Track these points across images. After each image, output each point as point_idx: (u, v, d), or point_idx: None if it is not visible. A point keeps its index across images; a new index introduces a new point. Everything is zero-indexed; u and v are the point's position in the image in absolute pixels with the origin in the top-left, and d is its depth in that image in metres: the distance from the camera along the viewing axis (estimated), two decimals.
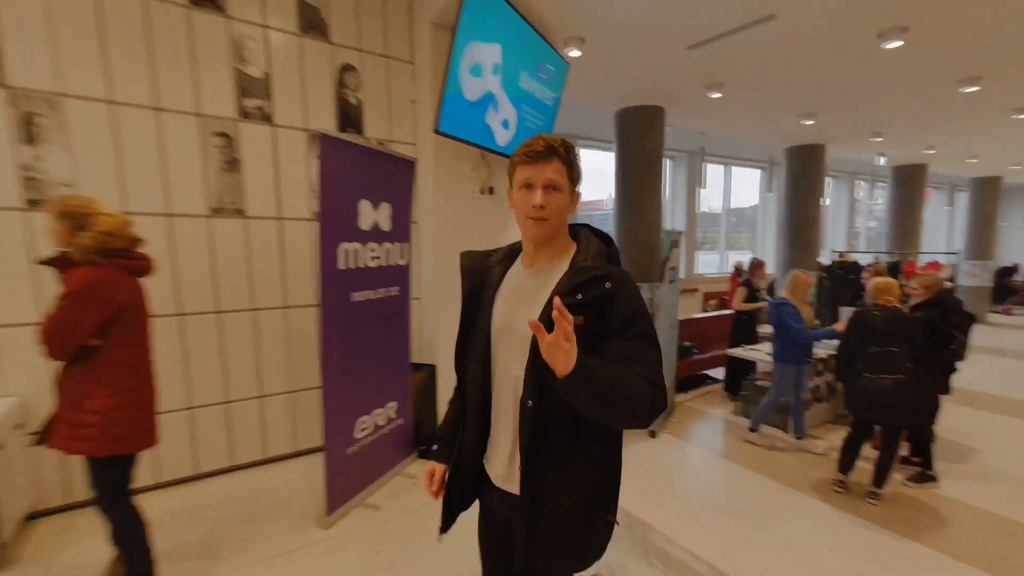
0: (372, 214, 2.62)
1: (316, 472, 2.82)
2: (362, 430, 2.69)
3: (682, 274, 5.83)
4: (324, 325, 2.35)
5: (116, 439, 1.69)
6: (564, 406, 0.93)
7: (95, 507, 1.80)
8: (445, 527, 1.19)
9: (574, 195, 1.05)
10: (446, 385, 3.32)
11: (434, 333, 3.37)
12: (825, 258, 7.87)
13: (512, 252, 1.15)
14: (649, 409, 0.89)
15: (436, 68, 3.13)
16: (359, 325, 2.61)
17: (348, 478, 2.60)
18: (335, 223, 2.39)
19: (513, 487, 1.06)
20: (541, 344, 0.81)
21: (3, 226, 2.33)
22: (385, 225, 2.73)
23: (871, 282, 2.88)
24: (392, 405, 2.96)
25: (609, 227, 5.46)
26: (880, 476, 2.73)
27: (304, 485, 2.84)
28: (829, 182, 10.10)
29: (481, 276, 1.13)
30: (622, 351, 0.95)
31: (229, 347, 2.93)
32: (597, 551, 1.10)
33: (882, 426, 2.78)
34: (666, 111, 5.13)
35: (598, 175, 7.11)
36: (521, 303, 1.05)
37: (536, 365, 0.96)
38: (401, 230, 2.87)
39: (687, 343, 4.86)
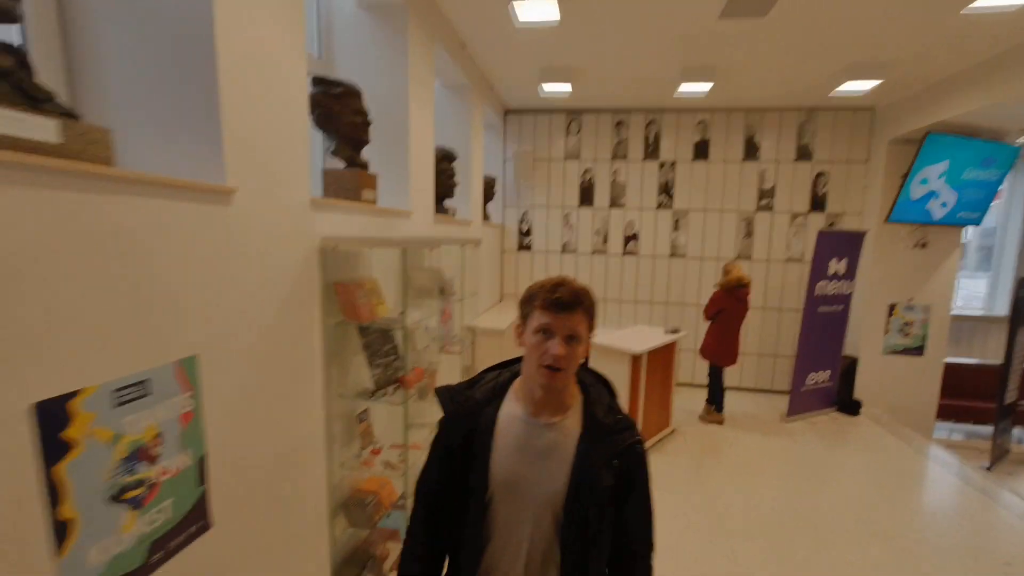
0: (835, 265, 4.77)
1: (773, 401, 5.31)
2: (811, 381, 4.97)
3: None
4: (805, 323, 4.74)
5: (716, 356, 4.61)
6: (597, 562, 1.00)
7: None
8: None
9: (589, 343, 1.01)
10: (864, 370, 5.17)
11: (858, 335, 5.21)
12: None
13: (499, 388, 1.07)
14: None
15: (889, 167, 4.87)
16: (820, 325, 4.86)
17: (799, 402, 4.95)
18: (818, 271, 4.70)
19: None
20: None
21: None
22: (842, 271, 4.83)
23: None
24: (827, 372, 5.09)
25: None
26: None
27: (771, 405, 5.38)
28: None
29: (468, 421, 1.03)
30: (636, 517, 1.03)
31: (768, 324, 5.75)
32: None
33: None
34: None
35: None
36: (535, 461, 0.99)
37: (582, 541, 0.97)
38: (851, 272, 4.89)
39: None
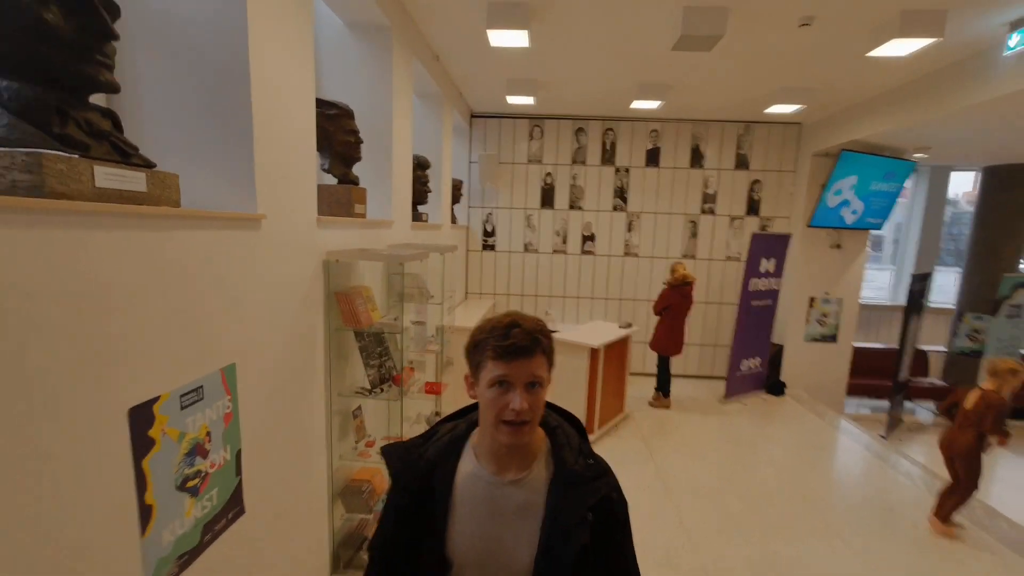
0: (766, 264, 5.38)
1: (713, 386, 5.92)
2: (744, 367, 5.59)
3: None
4: (740, 315, 5.33)
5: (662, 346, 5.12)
6: None
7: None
8: None
9: (549, 382, 0.89)
10: (788, 356, 5.87)
11: (784, 325, 5.90)
12: None
13: (454, 442, 0.96)
14: None
15: (812, 177, 5.52)
16: (753, 317, 5.48)
17: (734, 386, 5.56)
18: (751, 269, 5.29)
19: None
20: None
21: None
22: (772, 269, 5.45)
23: None
24: (758, 359, 5.73)
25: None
26: None
27: (710, 390, 5.98)
28: None
29: (420, 483, 0.92)
30: (621, 566, 0.93)
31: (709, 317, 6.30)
32: None
33: None
34: None
35: None
36: (504, 523, 0.89)
37: None
38: (779, 271, 5.53)
39: None
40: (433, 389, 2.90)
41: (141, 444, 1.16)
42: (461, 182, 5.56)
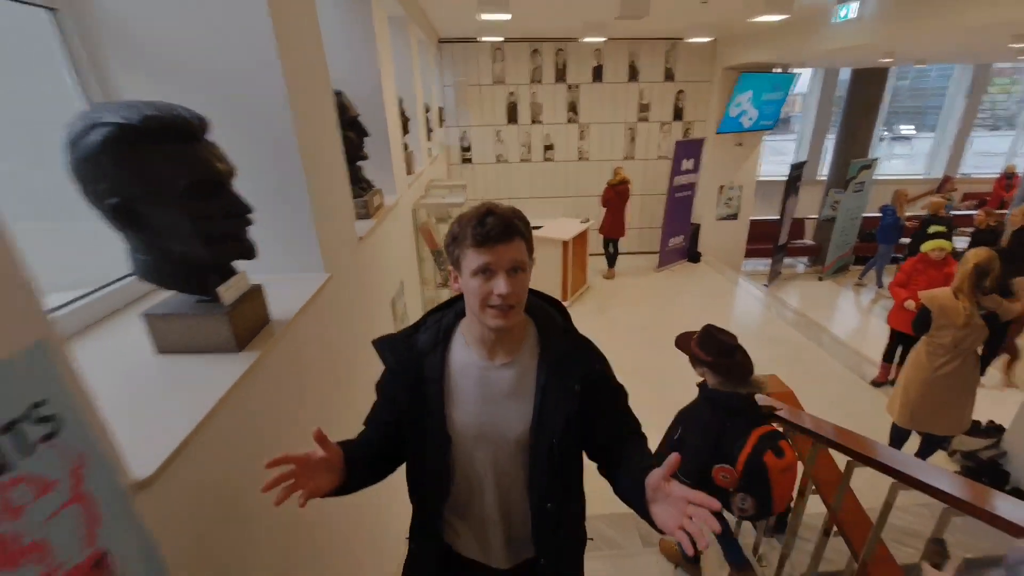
0: (686, 163, 6.96)
1: (649, 259, 7.84)
2: (671, 243, 7.45)
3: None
4: (668, 204, 7.04)
5: None
6: (576, 494, 1.07)
7: None
8: None
9: (531, 267, 0.93)
10: (704, 232, 7.80)
11: (701, 209, 7.69)
12: None
13: (443, 331, 1.01)
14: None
15: (722, 86, 6.89)
16: (677, 204, 7.19)
17: (665, 257, 7.46)
18: (675, 168, 6.87)
19: (511, 561, 1.08)
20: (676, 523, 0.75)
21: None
22: (691, 167, 7.05)
23: None
24: (681, 236, 7.59)
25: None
26: None
27: (647, 261, 7.89)
28: None
29: (412, 370, 0.98)
30: (619, 422, 1.03)
31: (646, 207, 7.91)
32: None
33: None
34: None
35: None
36: (499, 403, 0.97)
37: (550, 468, 0.96)
38: (696, 167, 7.14)
39: None
40: None
41: None
42: (441, 108, 6.51)
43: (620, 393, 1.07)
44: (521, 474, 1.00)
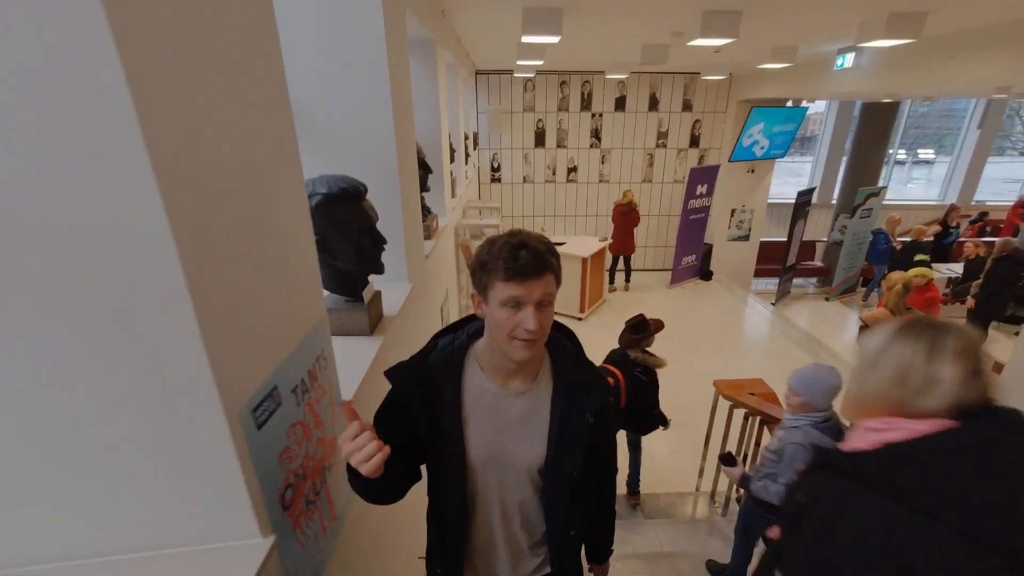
0: (700, 188, 7.45)
1: (662, 276, 8.31)
2: (684, 262, 7.92)
3: None
4: (681, 225, 7.52)
5: None
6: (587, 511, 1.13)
7: None
8: None
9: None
10: (716, 253, 8.25)
11: (713, 230, 8.15)
12: None
13: (455, 358, 1.01)
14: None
15: (736, 117, 7.38)
16: (690, 225, 7.67)
17: (677, 275, 7.94)
18: (690, 193, 7.36)
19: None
20: None
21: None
22: (704, 191, 7.54)
23: None
24: (694, 256, 8.05)
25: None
26: None
27: (661, 279, 8.37)
28: None
29: (426, 396, 0.98)
30: (606, 453, 1.11)
31: (661, 226, 8.41)
32: None
33: None
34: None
35: None
36: (512, 431, 0.99)
37: (571, 499, 1.03)
38: (710, 192, 7.62)
39: None
40: None
41: None
42: (476, 133, 7.14)
43: (612, 433, 1.18)
44: (527, 500, 1.04)
